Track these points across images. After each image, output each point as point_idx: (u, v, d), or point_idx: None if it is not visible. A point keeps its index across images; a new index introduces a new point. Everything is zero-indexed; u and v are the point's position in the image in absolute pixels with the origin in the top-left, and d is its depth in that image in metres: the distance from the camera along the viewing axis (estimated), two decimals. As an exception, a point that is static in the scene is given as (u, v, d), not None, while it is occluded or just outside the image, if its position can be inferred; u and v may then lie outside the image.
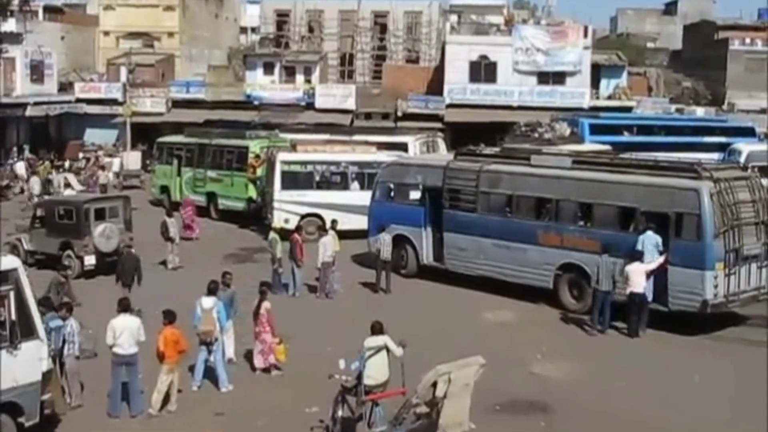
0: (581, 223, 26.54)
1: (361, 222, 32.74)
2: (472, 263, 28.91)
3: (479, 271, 28.79)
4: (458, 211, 29.32)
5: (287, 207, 37.09)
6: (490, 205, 28.78)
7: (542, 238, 27.03)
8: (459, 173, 29.48)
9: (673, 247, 24.07)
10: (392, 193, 32.08)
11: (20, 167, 56.18)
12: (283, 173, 37.70)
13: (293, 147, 39.19)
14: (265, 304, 20.76)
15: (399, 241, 30.36)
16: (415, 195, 31.34)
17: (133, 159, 60.44)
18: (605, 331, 24.37)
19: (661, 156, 29.46)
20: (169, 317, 18.57)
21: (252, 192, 41.36)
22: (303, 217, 36.01)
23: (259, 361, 20.90)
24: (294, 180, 37.90)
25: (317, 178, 38.30)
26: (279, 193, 37.42)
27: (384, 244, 28.95)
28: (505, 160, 29.48)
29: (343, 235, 31.60)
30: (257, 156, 41.32)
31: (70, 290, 24.43)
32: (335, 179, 38.63)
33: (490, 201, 28.78)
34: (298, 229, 30.27)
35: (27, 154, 61.01)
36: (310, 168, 38.24)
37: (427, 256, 30.64)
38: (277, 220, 36.37)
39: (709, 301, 23.54)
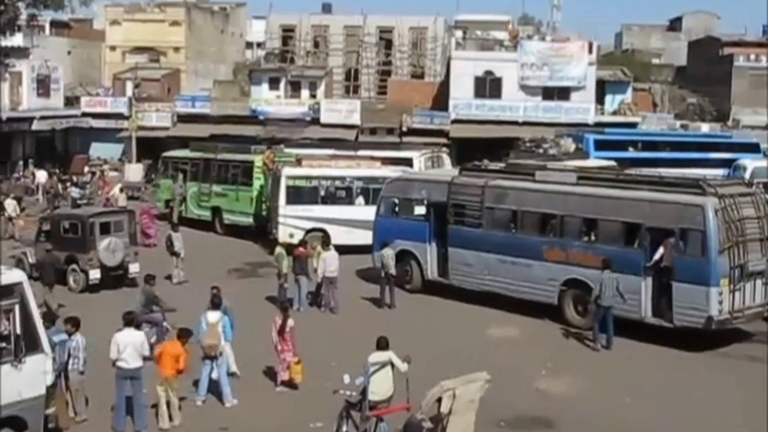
0: (586, 238, 26.58)
1: (365, 237, 32.78)
2: (477, 279, 28.90)
3: (484, 287, 28.77)
4: (463, 226, 29.33)
5: (292, 222, 37.14)
6: (494, 220, 28.76)
7: (547, 253, 27.01)
8: (464, 188, 29.49)
9: (677, 263, 24.09)
10: (397, 209, 32.11)
11: (42, 176, 56.72)
12: (288, 188, 37.78)
13: (298, 162, 39.25)
14: (290, 322, 20.66)
15: (404, 257, 30.40)
16: (419, 210, 31.34)
17: (134, 171, 60.62)
18: (610, 347, 24.35)
19: (666, 172, 29.40)
20: (183, 334, 18.57)
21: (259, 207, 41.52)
22: (308, 231, 35.97)
23: (281, 377, 20.96)
24: (299, 195, 37.97)
25: (322, 193, 38.37)
26: (284, 208, 37.49)
27: (388, 259, 28.95)
28: (509, 176, 29.49)
29: (348, 250, 31.65)
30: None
31: (157, 298, 24.69)
32: (340, 194, 38.67)
33: (494, 216, 28.76)
34: (303, 243, 30.28)
35: (32, 168, 61.20)
36: (315, 183, 38.34)
37: (431, 272, 30.61)
38: (282, 234, 36.36)
39: (714, 318, 23.52)
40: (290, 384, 20.75)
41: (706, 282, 23.52)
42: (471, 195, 29.17)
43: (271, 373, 21.35)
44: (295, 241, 32.01)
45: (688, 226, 24.10)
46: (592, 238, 26.45)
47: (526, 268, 27.42)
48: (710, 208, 23.64)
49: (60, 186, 53.72)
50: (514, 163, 33.95)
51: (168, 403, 18.41)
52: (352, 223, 36.12)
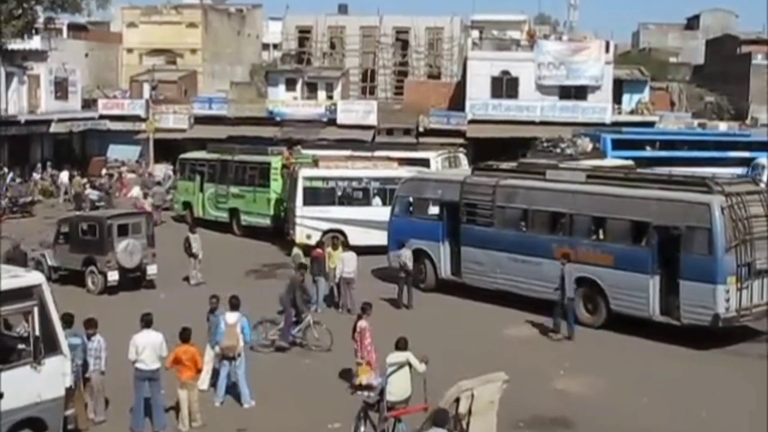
0: (595, 237, 26.75)
1: (382, 237, 32.99)
2: (489, 277, 29.13)
3: (495, 285, 28.99)
4: (475, 225, 29.60)
5: (309, 223, 37.34)
6: (505, 219, 29.00)
7: (557, 252, 27.07)
8: (476, 188, 29.74)
9: (684, 261, 24.24)
10: (411, 208, 32.33)
11: (64, 176, 57.84)
12: (305, 189, 38.00)
13: (315, 163, 39.44)
14: (360, 324, 20.51)
15: (418, 256, 30.51)
16: (433, 210, 31.56)
17: (157, 171, 61.18)
18: (572, 337, 25.11)
19: (684, 171, 29.51)
20: (183, 336, 18.74)
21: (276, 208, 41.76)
22: (325, 232, 36.17)
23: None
24: (316, 196, 38.21)
25: (339, 194, 38.57)
26: (301, 209, 37.70)
27: (405, 258, 29.11)
28: (520, 175, 29.72)
29: (365, 250, 31.80)
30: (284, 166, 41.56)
31: (305, 289, 25.11)
32: (357, 195, 38.87)
33: (505, 215, 29.01)
34: (321, 244, 30.47)
35: (50, 170, 61.70)
36: (332, 184, 38.55)
37: (445, 270, 30.83)
38: (300, 235, 36.61)
39: (721, 315, 23.66)
40: (357, 387, 20.43)
41: (713, 280, 23.68)
42: (483, 194, 29.42)
43: (287, 374, 21.55)
44: (313, 242, 32.22)
45: (694, 224, 24.19)
46: (601, 236, 26.64)
47: (537, 267, 27.57)
48: (716, 206, 23.76)
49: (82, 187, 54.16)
50: (526, 162, 34.07)
51: (189, 406, 18.66)
52: (369, 223, 36.29)
